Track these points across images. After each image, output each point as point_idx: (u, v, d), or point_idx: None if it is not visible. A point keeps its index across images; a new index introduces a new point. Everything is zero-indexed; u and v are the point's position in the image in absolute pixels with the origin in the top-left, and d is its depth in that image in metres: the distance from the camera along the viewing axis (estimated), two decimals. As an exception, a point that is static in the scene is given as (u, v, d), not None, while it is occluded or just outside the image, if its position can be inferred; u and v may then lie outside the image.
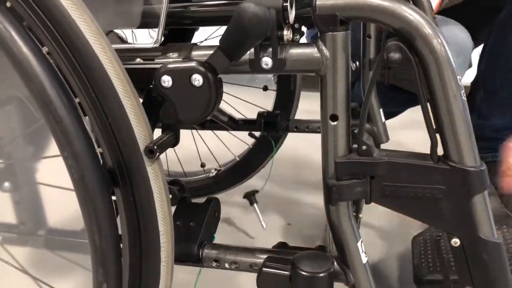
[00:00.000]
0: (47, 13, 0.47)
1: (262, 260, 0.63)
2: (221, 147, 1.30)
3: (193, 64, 0.51)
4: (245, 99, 1.25)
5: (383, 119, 1.04)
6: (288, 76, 1.14)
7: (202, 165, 1.35)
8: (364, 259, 0.60)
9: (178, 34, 0.75)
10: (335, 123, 0.54)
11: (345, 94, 0.53)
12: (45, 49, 0.49)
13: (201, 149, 1.34)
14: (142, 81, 0.54)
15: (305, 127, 1.17)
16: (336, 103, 0.53)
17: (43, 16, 0.47)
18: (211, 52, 0.54)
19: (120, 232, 0.53)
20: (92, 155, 0.48)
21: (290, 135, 1.24)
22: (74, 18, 0.47)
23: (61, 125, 0.46)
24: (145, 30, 0.68)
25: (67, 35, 0.47)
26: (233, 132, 1.24)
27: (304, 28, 1.09)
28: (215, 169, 1.33)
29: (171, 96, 0.52)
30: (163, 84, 0.52)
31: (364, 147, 0.54)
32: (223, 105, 1.14)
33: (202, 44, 0.61)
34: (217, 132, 1.30)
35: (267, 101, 1.25)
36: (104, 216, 0.49)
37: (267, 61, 0.53)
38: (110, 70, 0.48)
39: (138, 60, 0.57)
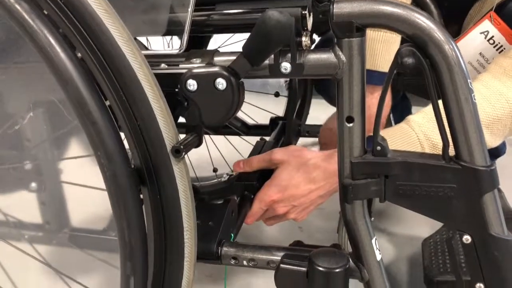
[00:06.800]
0: (81, 21, 0.50)
1: (279, 258, 0.65)
2: (233, 152, 1.33)
3: (217, 69, 0.54)
4: (257, 105, 1.28)
5: (393, 125, 1.06)
6: (299, 83, 1.17)
7: (214, 170, 1.38)
8: (378, 256, 0.62)
9: (196, 41, 0.77)
10: (351, 124, 0.56)
11: (361, 97, 0.55)
12: (78, 55, 0.52)
13: (213, 155, 1.37)
14: (167, 85, 0.57)
15: (316, 132, 1.20)
16: (352, 106, 0.55)
17: (77, 23, 0.50)
18: (232, 57, 0.57)
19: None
20: (123, 155, 0.51)
21: (300, 140, 1.27)
22: (107, 25, 0.50)
23: (95, 126, 0.49)
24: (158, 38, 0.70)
25: (101, 41, 0.50)
26: (245, 138, 1.27)
27: (315, 36, 1.13)
28: (227, 174, 1.36)
29: (196, 99, 0.55)
30: (188, 88, 0.55)
31: (378, 148, 0.56)
32: (236, 111, 1.17)
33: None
34: (229, 137, 1.33)
35: (278, 107, 1.28)
36: (133, 212, 0.52)
37: (286, 66, 0.56)
38: (140, 74, 0.51)
39: (163, 65, 0.60)
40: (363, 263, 0.62)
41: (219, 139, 1.36)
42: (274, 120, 1.19)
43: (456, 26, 1.02)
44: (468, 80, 0.52)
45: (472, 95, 0.53)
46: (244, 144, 1.29)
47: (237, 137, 1.30)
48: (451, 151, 0.55)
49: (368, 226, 0.60)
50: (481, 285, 0.57)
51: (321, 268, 0.59)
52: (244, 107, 1.17)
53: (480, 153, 0.54)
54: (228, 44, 1.19)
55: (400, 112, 1.41)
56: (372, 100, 0.81)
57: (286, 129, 1.11)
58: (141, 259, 0.55)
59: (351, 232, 0.61)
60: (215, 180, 1.37)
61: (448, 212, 0.56)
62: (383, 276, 0.62)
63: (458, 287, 0.61)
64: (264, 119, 1.24)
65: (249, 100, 1.21)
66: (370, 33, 0.83)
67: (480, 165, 0.54)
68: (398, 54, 0.52)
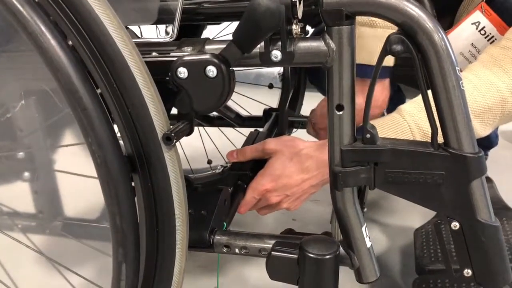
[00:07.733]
0: (72, 9, 0.50)
1: (271, 245, 0.66)
2: (227, 144, 1.34)
3: (207, 56, 0.54)
4: (251, 97, 1.29)
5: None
6: (293, 74, 1.17)
7: (209, 162, 1.38)
8: (368, 244, 0.62)
9: (189, 31, 0.78)
10: (340, 112, 0.57)
11: (350, 85, 0.56)
12: (69, 42, 0.52)
13: (207, 147, 1.37)
14: (158, 73, 0.57)
15: (310, 124, 1.20)
16: (342, 94, 0.56)
17: (68, 11, 0.50)
18: (223, 46, 0.57)
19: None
20: (114, 142, 0.51)
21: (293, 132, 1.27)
22: (98, 13, 0.50)
23: (86, 113, 0.49)
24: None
25: (91, 29, 0.50)
26: (239, 129, 1.27)
27: (308, 28, 1.13)
28: (222, 166, 1.36)
29: (186, 87, 0.56)
30: (179, 75, 0.55)
31: (368, 135, 0.57)
32: (229, 103, 1.17)
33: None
34: (223, 129, 1.34)
35: (272, 99, 1.29)
36: (124, 199, 0.53)
37: (276, 54, 0.56)
38: (130, 62, 0.51)
39: (154, 53, 0.60)
40: (354, 250, 0.62)
41: (213, 131, 1.36)
42: (268, 112, 1.20)
43: (449, 18, 1.03)
44: (457, 68, 0.53)
45: (461, 82, 0.53)
46: (239, 136, 1.30)
47: (231, 129, 1.30)
48: (440, 139, 0.56)
49: (358, 214, 0.61)
50: (469, 270, 0.58)
51: (311, 255, 0.59)
52: (238, 98, 1.18)
53: (468, 140, 0.54)
54: (222, 35, 1.19)
55: (394, 105, 1.42)
56: (365, 93, 0.81)
57: (279, 120, 1.12)
58: (133, 246, 0.55)
59: (341, 219, 0.62)
60: (209, 172, 1.39)
61: (436, 198, 0.57)
62: (373, 263, 0.63)
63: (449, 275, 0.61)
64: (258, 111, 1.25)
65: (243, 92, 1.22)
66: (367, 29, 0.84)
67: (468, 152, 0.54)
68: (387, 41, 0.52)
